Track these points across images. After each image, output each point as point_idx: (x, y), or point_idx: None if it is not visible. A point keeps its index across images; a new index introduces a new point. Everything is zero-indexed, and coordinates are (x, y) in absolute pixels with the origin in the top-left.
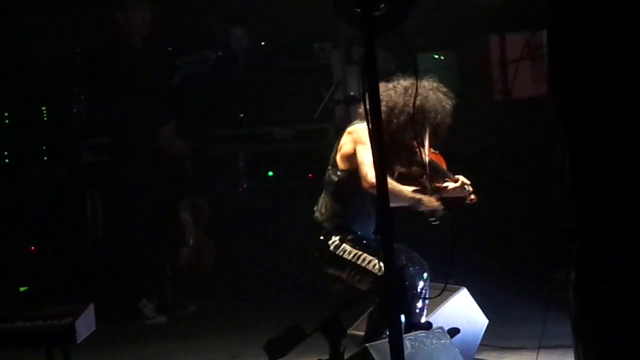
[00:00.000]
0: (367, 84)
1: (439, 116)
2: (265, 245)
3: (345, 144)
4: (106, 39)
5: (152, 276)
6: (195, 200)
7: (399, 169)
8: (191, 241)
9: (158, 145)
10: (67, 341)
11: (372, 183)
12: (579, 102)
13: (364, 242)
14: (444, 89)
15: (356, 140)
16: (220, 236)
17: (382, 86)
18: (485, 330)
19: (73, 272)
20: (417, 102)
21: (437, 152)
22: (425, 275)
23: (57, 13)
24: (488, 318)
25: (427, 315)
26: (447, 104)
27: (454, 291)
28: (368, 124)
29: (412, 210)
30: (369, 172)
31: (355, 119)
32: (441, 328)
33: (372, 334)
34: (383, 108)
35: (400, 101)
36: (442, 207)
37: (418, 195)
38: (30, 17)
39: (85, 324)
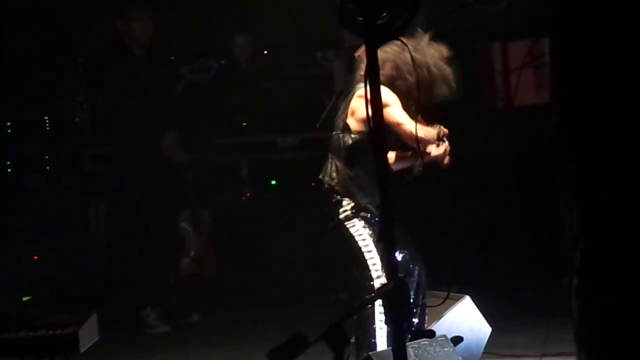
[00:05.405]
0: (369, 92)
1: (440, 70)
2: (268, 253)
3: (360, 108)
4: (107, 49)
5: (155, 285)
6: (196, 211)
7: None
8: (192, 252)
9: (160, 154)
10: (71, 350)
11: (421, 137)
12: (582, 110)
13: (374, 224)
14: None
15: None
16: (223, 245)
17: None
18: (488, 339)
19: (76, 281)
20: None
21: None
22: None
23: (60, 21)
24: (491, 326)
25: (430, 324)
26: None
27: (457, 299)
28: (371, 131)
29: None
30: (413, 128)
31: (358, 83)
32: (444, 336)
33: (362, 343)
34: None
35: (407, 63)
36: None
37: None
38: (33, 25)
39: (89, 333)
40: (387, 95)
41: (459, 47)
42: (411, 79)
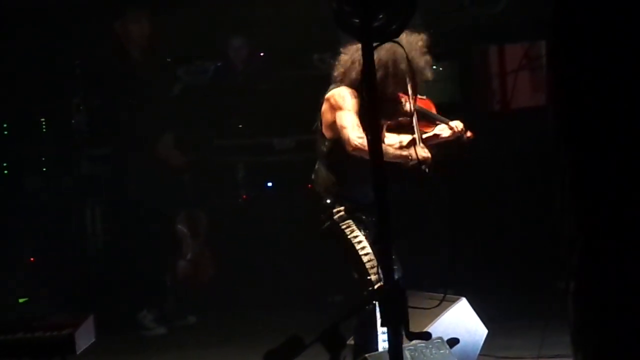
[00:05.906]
0: (366, 94)
1: (415, 60)
2: (265, 255)
3: (325, 113)
4: (105, 50)
5: (152, 287)
6: (193, 213)
7: (386, 122)
8: (189, 254)
9: (156, 156)
10: (67, 352)
11: (356, 145)
12: (579, 112)
13: (367, 225)
14: (412, 31)
15: (334, 107)
16: (219, 246)
17: (355, 47)
18: (485, 341)
19: (73, 282)
20: (386, 54)
21: (424, 97)
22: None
23: (58, 22)
24: (487, 328)
25: (426, 326)
26: (418, 43)
27: (453, 301)
28: (367, 136)
29: (403, 166)
30: (350, 135)
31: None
32: (440, 338)
33: (363, 345)
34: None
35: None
36: (429, 156)
37: (404, 152)
38: (30, 27)
39: (85, 335)
40: (344, 98)
41: (456, 49)
42: (391, 69)
